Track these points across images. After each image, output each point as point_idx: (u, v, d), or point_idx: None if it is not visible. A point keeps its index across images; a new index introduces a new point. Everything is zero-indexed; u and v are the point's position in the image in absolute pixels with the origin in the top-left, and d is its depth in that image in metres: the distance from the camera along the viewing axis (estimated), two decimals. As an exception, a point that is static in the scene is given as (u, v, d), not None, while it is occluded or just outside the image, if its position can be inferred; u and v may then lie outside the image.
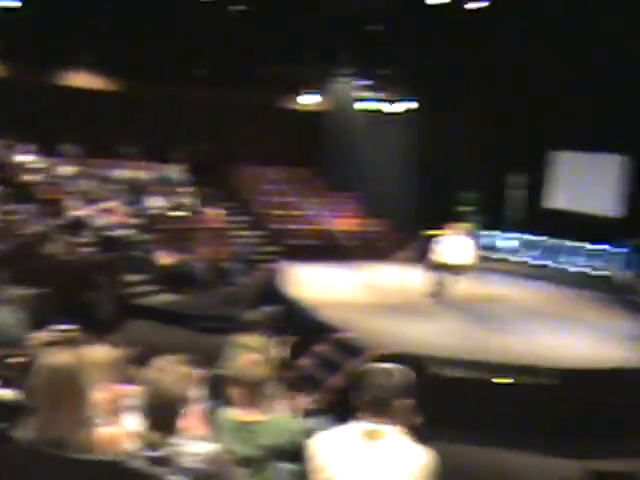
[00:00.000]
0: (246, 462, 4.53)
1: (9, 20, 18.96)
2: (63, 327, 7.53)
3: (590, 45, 16.71)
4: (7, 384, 5.58)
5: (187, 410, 3.76)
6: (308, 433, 4.67)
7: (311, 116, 25.07)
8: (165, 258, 18.02)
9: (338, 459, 3.74)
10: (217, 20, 19.71)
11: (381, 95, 23.07)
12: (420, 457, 3.73)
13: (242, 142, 24.29)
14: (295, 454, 4.53)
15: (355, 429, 3.76)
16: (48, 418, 3.39)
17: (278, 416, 5.05)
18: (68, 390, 3.47)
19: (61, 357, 3.54)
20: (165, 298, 17.32)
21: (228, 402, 4.83)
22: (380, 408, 3.74)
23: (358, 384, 3.84)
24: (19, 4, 18.67)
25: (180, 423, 3.67)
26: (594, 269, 18.42)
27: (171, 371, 3.71)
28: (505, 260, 19.80)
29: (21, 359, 6.55)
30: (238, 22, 19.66)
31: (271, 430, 4.72)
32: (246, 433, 4.67)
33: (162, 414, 3.62)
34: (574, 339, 12.93)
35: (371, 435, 3.72)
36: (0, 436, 3.61)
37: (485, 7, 16.37)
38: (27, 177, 19.56)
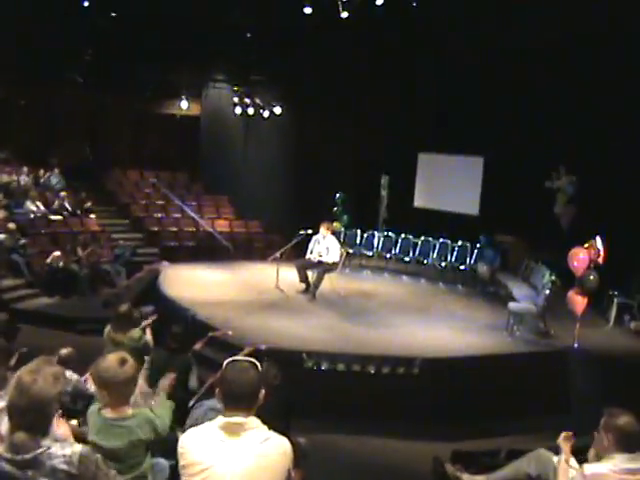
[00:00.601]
0: (114, 458, 4.61)
1: None
2: None
3: (460, 51, 17.54)
4: None
5: (58, 411, 3.79)
6: (186, 426, 5.00)
7: (190, 121, 25.08)
8: (45, 261, 17.82)
9: (205, 454, 3.71)
10: (95, 24, 19.65)
11: (255, 101, 23.22)
12: (281, 446, 3.83)
13: (121, 146, 24.28)
14: (170, 449, 4.51)
15: (219, 423, 3.79)
16: None
17: (143, 410, 5.02)
18: None
19: None
20: (45, 301, 17.13)
21: (97, 400, 4.90)
22: (238, 402, 3.79)
23: (221, 380, 3.92)
24: None
25: (51, 424, 3.68)
26: (461, 264, 19.10)
27: (42, 372, 3.66)
28: (378, 257, 20.09)
29: None
30: (115, 27, 19.66)
31: (136, 424, 4.79)
32: (113, 429, 4.73)
33: (32, 416, 3.57)
34: (440, 331, 13.47)
35: (233, 428, 3.75)
36: None
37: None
38: None
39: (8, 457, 3.53)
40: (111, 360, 4.69)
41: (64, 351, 8.14)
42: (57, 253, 18.05)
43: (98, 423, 4.77)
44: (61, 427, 4.06)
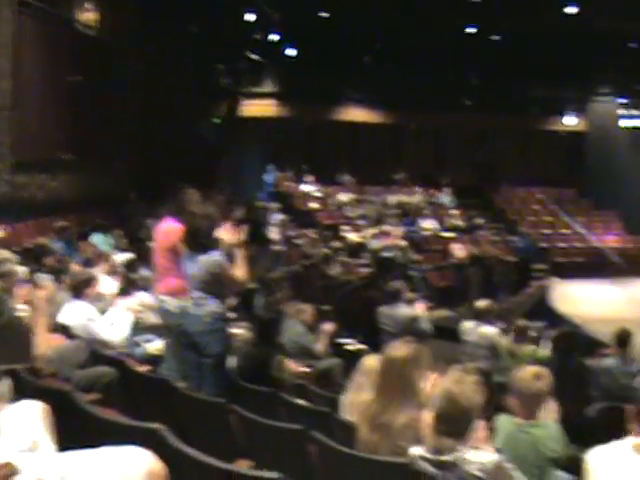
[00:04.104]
0: (525, 469, 4.38)
1: (287, 65, 21.96)
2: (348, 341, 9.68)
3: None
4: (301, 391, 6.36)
5: (477, 420, 3.83)
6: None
7: (574, 137, 24.88)
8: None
9: (613, 475, 3.42)
10: (478, 49, 20.64)
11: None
12: None
13: (507, 165, 24.76)
14: (569, 464, 4.45)
15: (629, 444, 3.48)
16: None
17: (550, 423, 4.86)
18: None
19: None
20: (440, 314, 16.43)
21: (505, 410, 4.82)
22: None
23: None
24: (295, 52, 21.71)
25: (471, 431, 3.75)
26: None
27: (466, 382, 3.81)
28: None
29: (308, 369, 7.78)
30: (498, 51, 20.60)
31: (548, 436, 4.65)
32: (524, 437, 4.63)
33: (457, 422, 3.71)
34: None
35: None
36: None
37: None
38: (311, 205, 21.33)
39: (426, 456, 3.70)
40: (526, 373, 4.81)
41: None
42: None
43: (507, 432, 4.73)
44: (481, 435, 3.99)
